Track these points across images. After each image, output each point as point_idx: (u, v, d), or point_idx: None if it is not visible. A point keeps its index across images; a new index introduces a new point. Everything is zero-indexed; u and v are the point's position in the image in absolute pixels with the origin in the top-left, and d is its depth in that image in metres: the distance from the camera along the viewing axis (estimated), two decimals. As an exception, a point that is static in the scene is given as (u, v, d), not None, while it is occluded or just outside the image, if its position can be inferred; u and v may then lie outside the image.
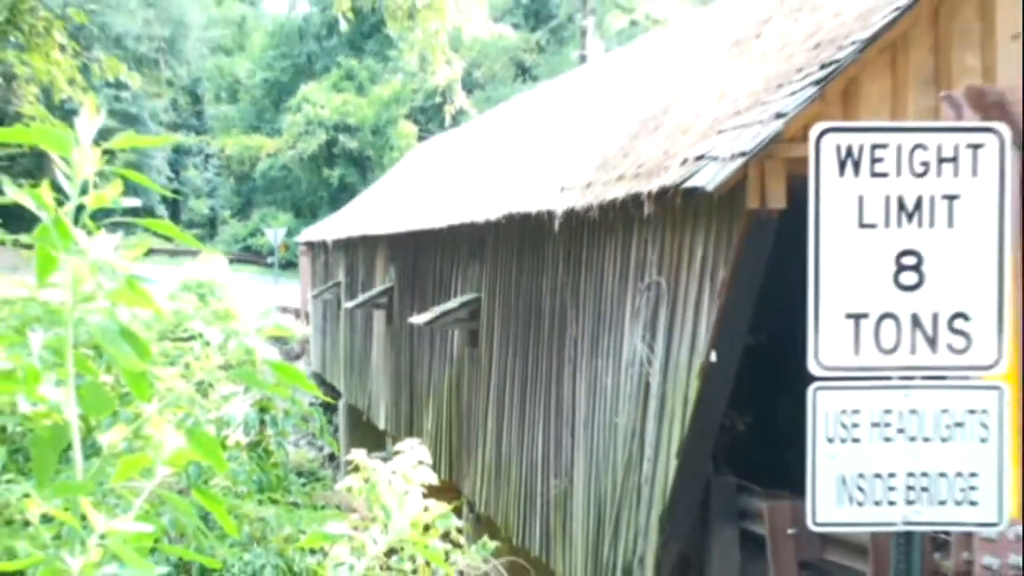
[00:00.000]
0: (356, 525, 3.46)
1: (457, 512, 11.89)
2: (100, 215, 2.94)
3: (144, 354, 2.96)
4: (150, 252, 3.69)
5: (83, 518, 2.70)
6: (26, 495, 2.82)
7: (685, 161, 15.88)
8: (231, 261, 58.19)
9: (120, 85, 49.52)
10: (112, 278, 2.89)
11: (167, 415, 3.03)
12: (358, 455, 6.19)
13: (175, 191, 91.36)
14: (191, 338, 3.25)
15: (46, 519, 2.77)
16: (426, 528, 3.65)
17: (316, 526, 3.16)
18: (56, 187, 2.86)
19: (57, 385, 2.85)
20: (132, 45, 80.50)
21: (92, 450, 3.04)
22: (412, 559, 10.90)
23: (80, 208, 2.85)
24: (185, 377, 3.22)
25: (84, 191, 2.86)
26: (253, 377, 3.34)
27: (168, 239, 3.42)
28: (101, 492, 2.91)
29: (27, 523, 2.78)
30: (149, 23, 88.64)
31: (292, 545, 10.89)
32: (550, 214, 19.59)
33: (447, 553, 12.57)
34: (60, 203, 2.85)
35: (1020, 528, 10.57)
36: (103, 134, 3.00)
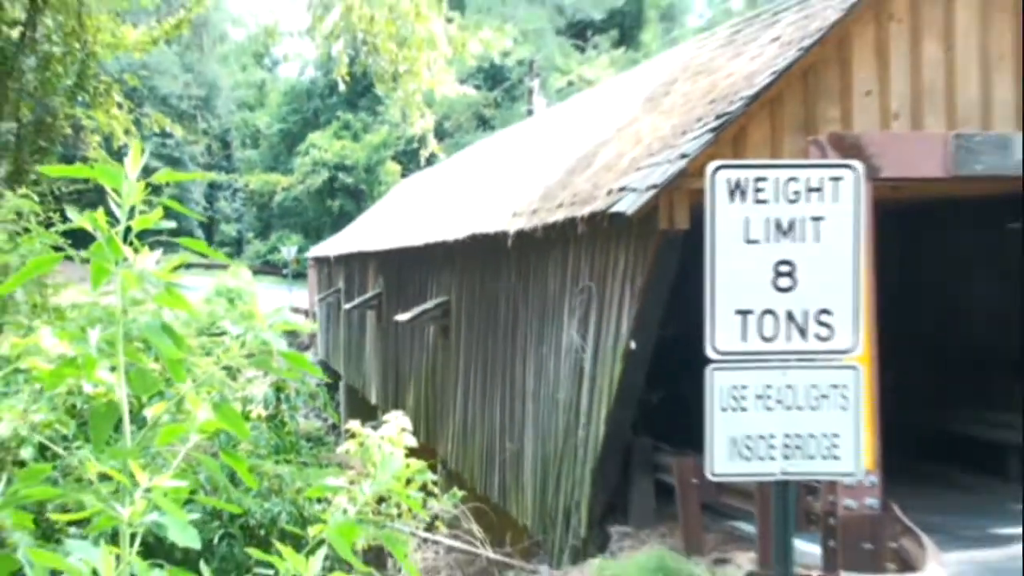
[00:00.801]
0: (352, 479, 3.43)
1: (432, 468, 11.89)
2: (150, 237, 2.92)
3: (181, 345, 2.94)
4: (190, 266, 3.66)
5: (132, 476, 2.67)
6: (87, 459, 2.78)
7: (610, 192, 15.90)
8: (254, 272, 58.17)
9: (165, 134, 49.37)
10: (156, 286, 2.87)
11: (202, 393, 3.01)
12: (354, 424, 6.14)
13: (209, 217, 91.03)
14: (223, 333, 3.22)
15: (104, 477, 2.74)
16: (408, 481, 3.62)
17: (321, 481, 3.15)
18: (111, 214, 2.84)
19: (111, 371, 2.82)
20: (175, 103, 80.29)
21: (141, 422, 3.01)
22: (397, 506, 10.86)
23: (128, 230, 2.82)
24: (217, 364, 3.19)
25: (131, 216, 2.83)
26: (269, 364, 3.32)
27: (203, 255, 3.39)
28: (148, 455, 2.88)
29: (92, 481, 2.75)
30: (188, 85, 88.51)
31: (302, 496, 10.84)
32: (505, 234, 19.60)
33: (424, 500, 12.54)
34: (113, 226, 2.82)
35: (873, 477, 10.61)
36: (152, 173, 2.98)
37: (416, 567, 14.65)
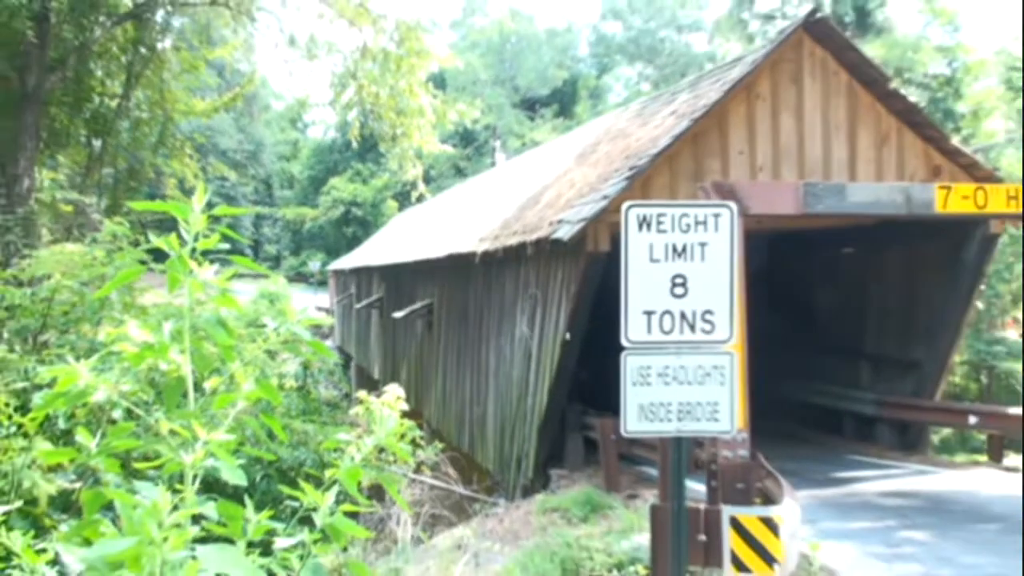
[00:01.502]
0: (360, 435, 3.41)
1: (420, 426, 11.92)
2: (211, 255, 2.92)
3: (232, 335, 2.93)
4: (240, 276, 3.65)
5: (194, 432, 2.67)
6: (162, 419, 2.78)
7: (552, 223, 15.93)
8: (288, 281, 57.81)
9: (224, 178, 49.09)
10: (214, 290, 2.88)
11: (248, 370, 3.00)
12: (362, 393, 6.11)
13: (255, 240, 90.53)
14: (264, 326, 3.20)
15: (173, 433, 2.73)
16: (401, 436, 3.62)
17: (336, 435, 3.17)
18: (182, 237, 2.84)
19: (180, 353, 2.82)
20: (231, 155, 79.67)
21: (202, 392, 3.00)
22: (392, 454, 10.83)
23: (194, 250, 2.82)
24: (259, 348, 3.18)
25: (197, 239, 2.83)
26: (298, 349, 3.34)
27: (251, 268, 3.39)
28: (206, 416, 2.87)
29: (165, 436, 2.74)
30: (241, 142, 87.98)
31: (322, 447, 10.80)
32: (474, 254, 19.58)
33: (413, 450, 12.49)
34: (183, 247, 2.82)
35: (744, 434, 10.66)
36: (212, 207, 2.99)
37: (405, 501, 14.58)
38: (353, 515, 3.07)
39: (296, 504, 3.00)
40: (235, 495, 3.16)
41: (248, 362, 3.06)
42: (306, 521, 2.94)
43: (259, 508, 2.82)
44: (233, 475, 2.68)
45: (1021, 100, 31.15)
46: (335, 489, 2.99)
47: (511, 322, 18.32)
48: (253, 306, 32.09)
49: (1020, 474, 16.23)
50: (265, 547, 2.89)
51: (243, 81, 30.98)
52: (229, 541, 2.69)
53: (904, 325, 18.78)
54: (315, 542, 2.87)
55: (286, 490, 3.05)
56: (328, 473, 3.09)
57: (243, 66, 37.56)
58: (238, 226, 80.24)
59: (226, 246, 2.93)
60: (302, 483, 2.95)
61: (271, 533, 2.84)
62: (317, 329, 48.18)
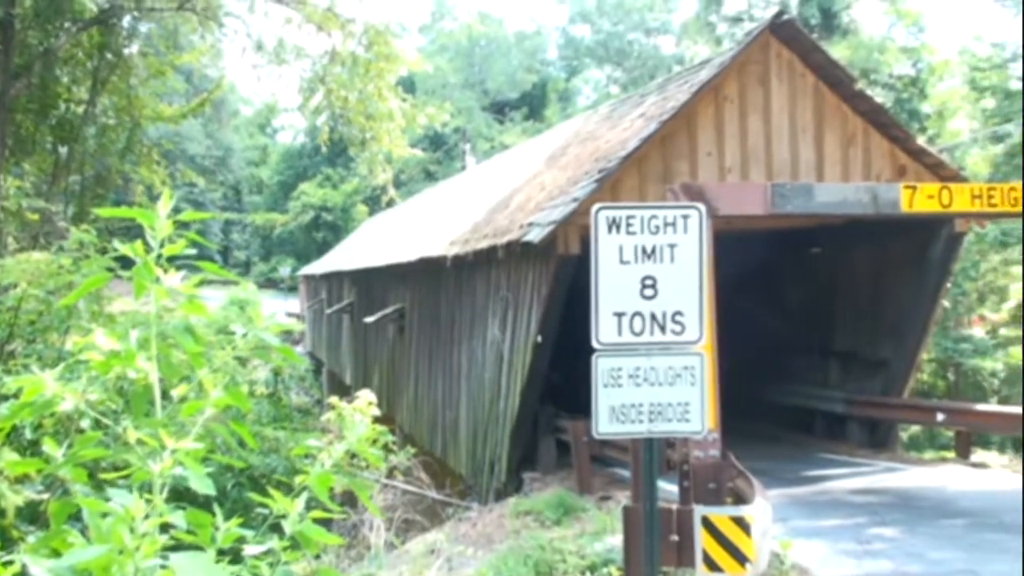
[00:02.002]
0: (331, 440, 3.40)
1: (392, 431, 11.89)
2: (180, 260, 2.90)
3: (200, 341, 2.92)
4: (209, 282, 3.63)
5: (162, 441, 2.65)
6: (130, 427, 2.75)
7: (522, 226, 15.94)
8: (259, 287, 57.55)
9: (192, 185, 48.85)
10: (182, 297, 2.87)
11: (217, 377, 2.98)
12: (333, 399, 6.09)
13: (224, 246, 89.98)
14: (234, 332, 3.19)
15: (141, 441, 2.71)
16: (373, 441, 3.61)
17: (307, 442, 3.16)
18: (149, 244, 2.82)
19: (148, 360, 2.80)
20: (200, 161, 79.09)
21: (170, 399, 2.98)
22: (365, 460, 10.81)
23: (160, 256, 2.80)
24: (229, 355, 3.16)
25: (163, 246, 2.81)
26: (268, 355, 3.32)
27: (220, 275, 3.38)
28: (175, 425, 2.85)
29: (133, 444, 2.72)
30: (210, 148, 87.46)
31: (293, 453, 10.76)
32: (445, 257, 19.57)
33: (385, 456, 12.45)
34: (149, 253, 2.80)
35: (715, 434, 10.69)
36: (180, 213, 2.97)
37: (377, 506, 14.54)
38: (326, 521, 3.06)
39: (267, 511, 2.98)
40: (205, 503, 3.13)
41: (217, 369, 3.04)
42: (277, 528, 2.93)
43: (229, 516, 2.80)
44: (201, 484, 2.66)
45: (1021, 98, 31.35)
46: (305, 495, 2.98)
47: (482, 325, 18.31)
48: (222, 312, 31.88)
49: (986, 470, 16.40)
50: (235, 555, 2.87)
51: (211, 86, 30.92)
52: (199, 549, 2.67)
53: (872, 324, 18.91)
54: (285, 549, 2.86)
55: (256, 497, 3.04)
56: (299, 479, 3.08)
57: (211, 71, 37.47)
58: (207, 232, 79.75)
59: (194, 252, 2.92)
60: (272, 490, 2.94)
61: (241, 541, 2.82)
62: (288, 335, 48.00)
